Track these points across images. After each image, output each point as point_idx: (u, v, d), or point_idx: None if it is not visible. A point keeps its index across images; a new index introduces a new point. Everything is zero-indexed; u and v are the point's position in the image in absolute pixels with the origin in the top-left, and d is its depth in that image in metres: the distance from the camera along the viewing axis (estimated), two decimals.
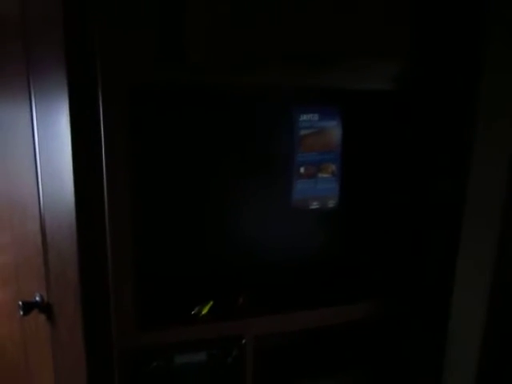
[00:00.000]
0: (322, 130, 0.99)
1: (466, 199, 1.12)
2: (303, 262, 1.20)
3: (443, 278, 1.19)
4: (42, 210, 1.25)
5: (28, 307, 1.32)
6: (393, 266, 1.22)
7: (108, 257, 1.02)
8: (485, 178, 1.06)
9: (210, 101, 0.96)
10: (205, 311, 1.09)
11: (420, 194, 1.17)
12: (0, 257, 1.58)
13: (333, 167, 1.01)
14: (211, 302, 1.10)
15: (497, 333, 1.06)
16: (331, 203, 1.05)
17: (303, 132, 0.98)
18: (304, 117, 0.97)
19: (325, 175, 1.01)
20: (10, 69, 1.30)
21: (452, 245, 1.16)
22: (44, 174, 1.20)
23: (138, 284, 1.01)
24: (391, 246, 1.20)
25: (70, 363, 1.26)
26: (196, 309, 1.09)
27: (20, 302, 1.32)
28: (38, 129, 1.20)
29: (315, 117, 0.98)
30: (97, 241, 1.07)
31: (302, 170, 1.00)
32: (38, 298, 1.34)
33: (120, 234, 0.97)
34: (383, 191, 1.14)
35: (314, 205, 1.03)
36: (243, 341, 1.07)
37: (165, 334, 1.03)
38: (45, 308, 1.32)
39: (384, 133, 1.10)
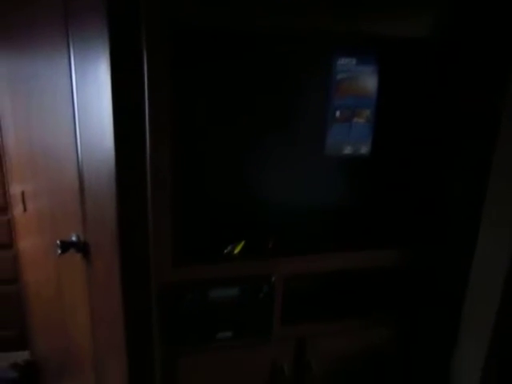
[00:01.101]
0: (359, 74, 1.00)
1: (495, 150, 1.14)
2: (332, 209, 1.23)
3: (468, 229, 1.22)
4: (79, 157, 1.29)
5: (65, 246, 1.39)
6: (419, 215, 1.25)
7: (147, 198, 1.07)
8: None
9: (252, 45, 0.97)
10: (237, 251, 1.14)
11: (449, 146, 1.18)
12: (36, 201, 1.64)
13: (368, 113, 1.03)
14: (243, 242, 1.15)
15: None
16: (364, 149, 1.07)
17: (340, 76, 0.99)
18: (342, 61, 0.98)
19: (360, 120, 1.03)
20: (47, 18, 1.31)
21: (477, 199, 1.19)
22: (82, 122, 1.24)
23: (175, 223, 1.06)
24: (419, 196, 1.23)
25: (107, 301, 1.33)
26: (229, 248, 1.14)
27: (58, 241, 1.38)
28: (76, 76, 1.22)
29: (353, 61, 0.99)
30: (135, 184, 1.12)
31: (337, 113, 1.02)
32: (74, 239, 1.41)
33: (160, 178, 1.01)
34: (414, 141, 1.16)
35: (347, 150, 1.06)
36: (273, 279, 1.13)
37: (199, 270, 1.09)
38: (81, 247, 1.38)
39: (419, 82, 1.11)
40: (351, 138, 1.05)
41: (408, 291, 1.29)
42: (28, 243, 1.84)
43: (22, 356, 2.13)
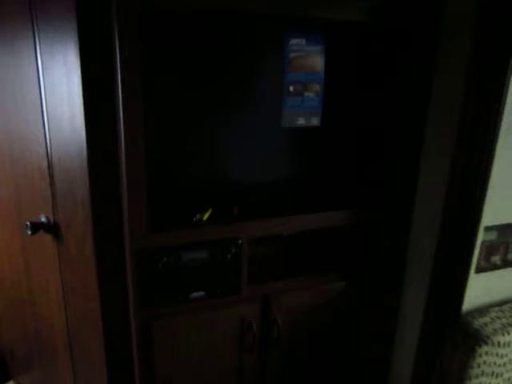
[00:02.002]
0: (309, 53, 1.13)
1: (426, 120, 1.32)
2: (290, 178, 1.37)
3: (407, 192, 1.40)
4: (47, 139, 1.33)
5: (35, 227, 1.43)
6: (366, 179, 1.41)
7: (119, 170, 1.15)
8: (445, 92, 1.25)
9: (211, 29, 1.08)
10: (205, 218, 1.25)
11: (388, 117, 1.35)
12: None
13: (317, 87, 1.17)
14: (210, 210, 1.26)
15: (450, 227, 1.28)
16: (315, 121, 1.21)
17: (292, 54, 1.12)
18: (293, 41, 1.11)
19: (310, 94, 1.17)
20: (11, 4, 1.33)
21: (414, 164, 1.37)
22: (50, 104, 1.28)
23: (147, 194, 1.14)
24: (364, 162, 1.40)
25: (80, 275, 1.39)
26: (197, 216, 1.25)
27: (28, 222, 1.42)
28: (41, 58, 1.26)
29: (303, 41, 1.12)
30: (107, 159, 1.19)
31: (291, 88, 1.15)
32: (43, 220, 1.45)
33: (134, 147, 1.09)
34: (358, 112, 1.32)
35: (301, 121, 1.19)
36: (239, 241, 1.25)
37: (172, 236, 1.18)
38: (52, 228, 1.43)
39: (361, 60, 1.26)
40: (303, 110, 1.18)
41: (358, 248, 1.46)
42: None
43: None
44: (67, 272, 1.46)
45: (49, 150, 1.34)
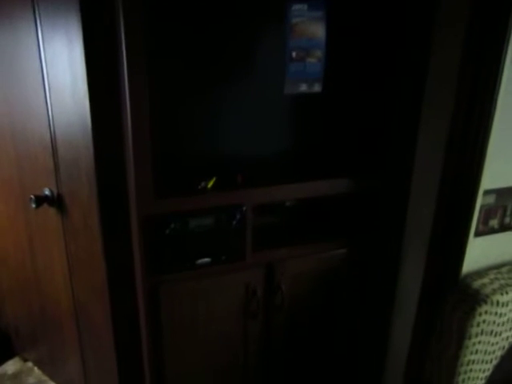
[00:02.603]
0: (311, 19, 1.14)
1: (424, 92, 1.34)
2: (292, 147, 1.39)
3: (405, 159, 1.42)
4: (49, 111, 1.33)
5: (39, 200, 1.44)
6: (365, 147, 1.43)
7: (125, 139, 1.16)
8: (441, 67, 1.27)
9: None
10: (210, 185, 1.26)
11: (388, 85, 1.37)
12: (2, 162, 1.65)
13: (319, 53, 1.18)
14: (214, 179, 1.28)
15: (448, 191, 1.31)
16: (317, 87, 1.22)
17: (294, 20, 1.13)
18: (295, 6, 1.12)
19: (312, 60, 1.18)
20: None
21: (411, 138, 1.39)
22: (51, 72, 1.28)
23: (153, 161, 1.16)
24: (364, 130, 1.41)
25: (86, 246, 1.41)
26: (202, 184, 1.26)
27: (32, 196, 1.43)
28: (42, 30, 1.25)
29: (304, 7, 1.13)
30: (112, 127, 1.20)
31: (293, 54, 1.16)
32: (47, 193, 1.46)
33: (139, 114, 1.09)
34: (359, 79, 1.33)
35: (303, 88, 1.21)
36: (244, 208, 1.27)
37: (179, 202, 1.20)
38: (55, 200, 1.44)
39: (360, 27, 1.27)
40: (306, 76, 1.20)
41: (359, 216, 1.48)
42: None
43: None
44: (72, 245, 1.47)
45: (51, 121, 1.34)
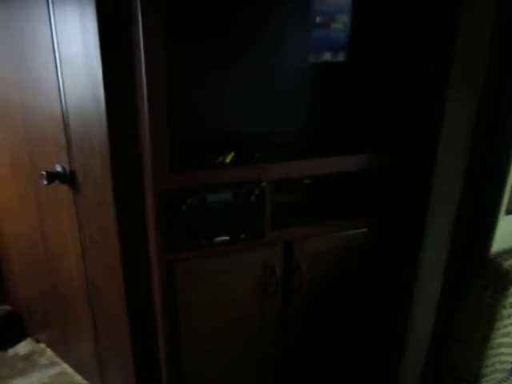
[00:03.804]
0: None
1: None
2: (312, 121, 1.33)
3: (431, 134, 1.35)
4: (59, 78, 1.27)
5: (51, 177, 1.39)
6: (389, 123, 1.37)
7: (139, 113, 1.11)
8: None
9: None
10: (228, 160, 1.21)
11: (415, 55, 1.30)
12: (9, 145, 1.60)
13: (344, 18, 1.11)
14: (232, 153, 1.22)
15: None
16: (341, 55, 1.15)
17: None
18: None
19: (338, 25, 1.11)
20: None
21: (438, 107, 1.32)
22: (61, 41, 1.22)
23: (171, 135, 1.10)
24: (389, 104, 1.35)
25: (99, 224, 1.37)
26: (220, 158, 1.21)
27: (43, 172, 1.38)
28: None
29: None
30: (125, 95, 1.15)
31: (318, 19, 1.09)
32: (58, 169, 1.41)
33: (155, 85, 1.04)
34: (385, 47, 1.26)
35: (327, 56, 1.14)
36: (263, 183, 1.21)
37: (196, 176, 1.15)
38: (68, 177, 1.39)
39: None
40: (330, 43, 1.13)
41: (380, 193, 1.43)
42: (1, 194, 1.80)
43: (1, 309, 2.12)
44: (85, 222, 1.43)
45: (62, 94, 1.29)
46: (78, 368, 1.82)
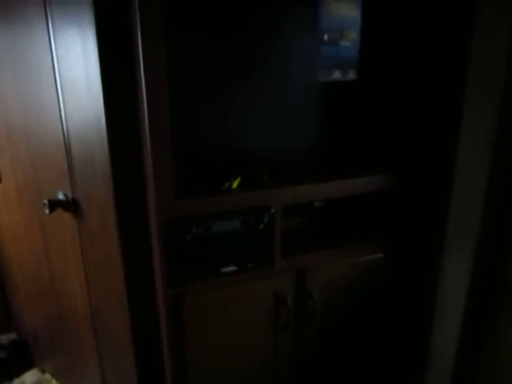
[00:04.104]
0: None
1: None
2: (322, 142, 1.27)
3: (447, 153, 1.28)
4: (62, 112, 1.25)
5: (53, 205, 1.35)
6: (404, 142, 1.30)
7: (144, 133, 1.06)
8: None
9: None
10: (234, 186, 1.15)
11: (429, 70, 1.24)
12: (15, 172, 1.58)
13: (353, 34, 1.06)
14: (239, 178, 1.17)
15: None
16: (351, 74, 1.10)
17: None
18: None
19: (347, 43, 1.06)
20: None
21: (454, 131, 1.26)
22: (63, 66, 1.19)
23: (174, 161, 1.05)
24: (403, 123, 1.28)
25: (103, 252, 1.32)
26: (226, 184, 1.15)
27: (45, 200, 1.34)
28: (53, 26, 1.17)
29: None
30: (127, 120, 1.11)
31: (325, 37, 1.04)
32: (61, 197, 1.37)
33: (157, 110, 0.99)
34: (397, 64, 1.20)
35: (336, 75, 1.08)
36: (272, 210, 1.15)
37: (201, 204, 1.09)
38: (70, 205, 1.35)
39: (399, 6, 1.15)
40: (340, 61, 1.08)
41: (396, 216, 1.35)
42: (6, 218, 1.77)
43: (7, 337, 2.07)
44: (88, 250, 1.39)
45: (63, 119, 1.26)
46: None
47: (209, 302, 1.18)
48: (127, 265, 1.25)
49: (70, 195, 1.35)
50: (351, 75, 1.11)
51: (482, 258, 1.24)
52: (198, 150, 1.16)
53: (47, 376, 1.91)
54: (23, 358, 1.98)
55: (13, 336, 2.05)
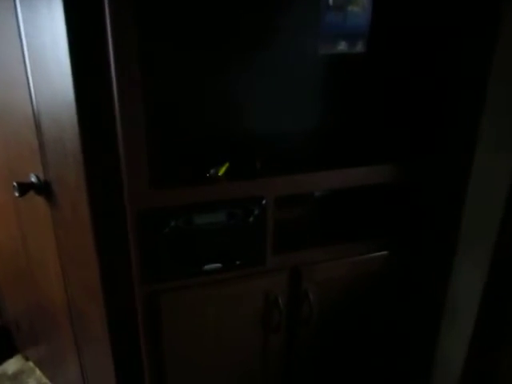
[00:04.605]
0: None
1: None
2: (321, 126, 1.12)
3: (466, 142, 1.13)
4: (31, 89, 1.10)
5: (23, 188, 1.22)
6: (415, 128, 1.15)
7: (114, 118, 0.91)
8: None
9: None
10: (221, 173, 1.01)
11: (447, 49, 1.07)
12: None
13: None
14: (227, 164, 1.03)
15: None
16: (359, 46, 0.94)
17: None
18: None
19: (355, 8, 0.90)
20: None
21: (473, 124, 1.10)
22: (32, 53, 1.05)
23: (151, 143, 0.91)
24: (415, 106, 1.13)
25: (77, 241, 1.19)
26: (211, 171, 1.01)
27: (14, 183, 1.21)
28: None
29: None
30: (99, 96, 0.96)
31: (330, 0, 0.87)
32: (33, 179, 1.24)
33: (128, 82, 0.85)
34: (413, 39, 1.03)
35: (342, 46, 0.92)
36: (264, 201, 1.01)
37: (181, 194, 0.96)
38: (42, 188, 1.22)
39: None
40: (346, 31, 0.91)
41: (404, 211, 1.21)
42: None
43: None
44: (63, 239, 1.26)
45: (32, 91, 1.11)
46: None
47: (189, 302, 1.06)
48: (102, 258, 1.13)
49: (42, 177, 1.22)
50: (359, 47, 0.94)
51: (501, 259, 1.10)
52: (179, 131, 1.01)
53: (30, 364, 1.82)
54: (6, 344, 1.89)
55: None
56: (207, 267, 1.01)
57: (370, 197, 1.20)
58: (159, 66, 0.94)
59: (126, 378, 1.30)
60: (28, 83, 1.11)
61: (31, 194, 1.25)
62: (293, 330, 1.18)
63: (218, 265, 1.02)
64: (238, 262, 1.04)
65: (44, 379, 1.74)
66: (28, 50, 1.07)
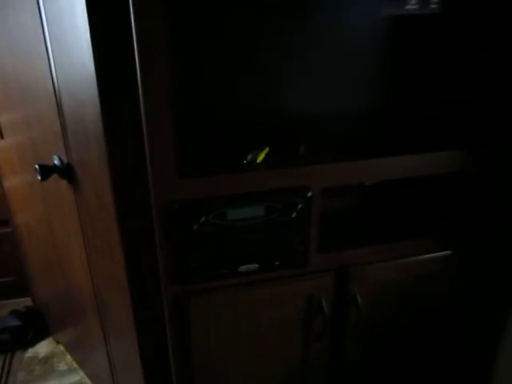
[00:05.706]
0: None
1: None
2: (378, 104, 0.95)
3: None
4: (49, 50, 0.99)
5: (46, 171, 1.13)
6: (489, 111, 0.96)
7: (139, 99, 0.78)
8: None
9: None
10: (260, 159, 0.87)
11: None
12: (15, 131, 1.37)
13: None
14: (267, 149, 0.88)
15: None
16: (433, 3, 0.76)
17: None
18: None
19: None
20: None
21: None
22: (53, 37, 0.94)
23: (179, 126, 0.78)
24: (494, 83, 0.93)
25: (102, 229, 1.10)
26: (249, 157, 0.87)
27: (36, 166, 1.12)
28: None
29: None
30: (123, 70, 0.84)
31: None
32: (56, 162, 1.14)
33: (152, 60, 0.72)
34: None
35: (411, 4, 0.75)
36: (309, 193, 0.86)
37: (213, 184, 0.82)
38: (65, 171, 1.12)
39: None
40: None
41: (469, 205, 1.03)
42: (12, 180, 1.59)
43: (23, 303, 1.96)
44: (88, 227, 1.17)
45: (52, 68, 1.01)
46: (95, 380, 1.61)
47: (222, 305, 0.94)
48: (128, 248, 1.03)
49: (65, 159, 1.12)
50: (433, 6, 0.76)
51: None
52: (211, 112, 0.87)
53: (61, 348, 1.79)
54: (39, 325, 1.87)
55: (28, 302, 1.93)
56: (242, 268, 0.88)
57: (427, 186, 1.02)
58: (188, 34, 0.80)
59: (153, 377, 1.22)
60: (48, 56, 1.00)
61: (55, 177, 1.16)
62: (338, 337, 1.04)
63: (255, 265, 0.89)
64: (276, 263, 0.90)
65: (74, 364, 1.70)
66: (46, 20, 0.95)
